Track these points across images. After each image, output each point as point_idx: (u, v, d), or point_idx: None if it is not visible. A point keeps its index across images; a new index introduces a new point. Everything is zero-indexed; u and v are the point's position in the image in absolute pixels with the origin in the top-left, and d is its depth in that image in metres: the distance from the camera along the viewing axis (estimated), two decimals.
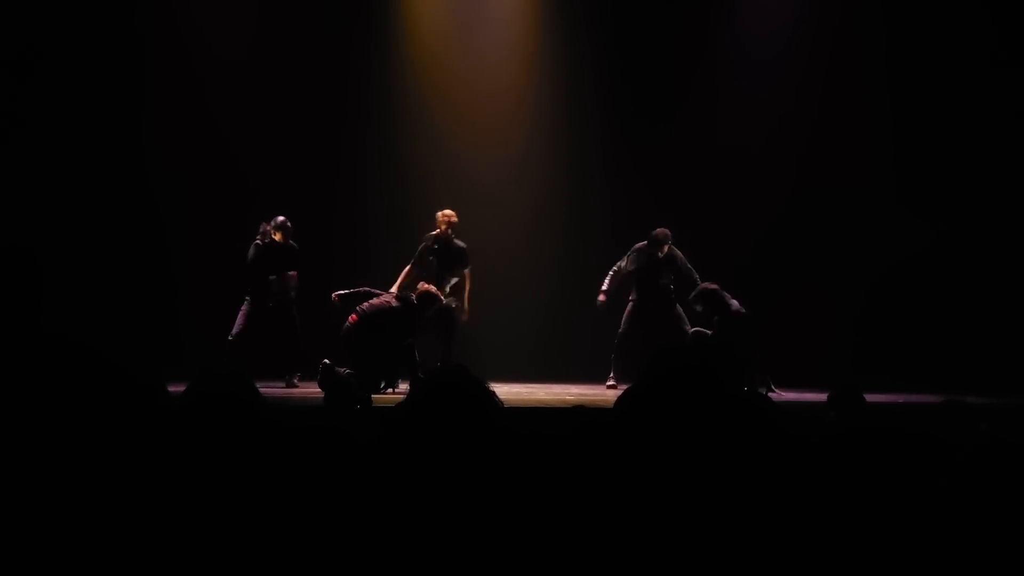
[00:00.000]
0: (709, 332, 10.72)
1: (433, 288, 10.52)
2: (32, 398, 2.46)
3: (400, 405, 2.62)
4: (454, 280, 11.15)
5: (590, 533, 2.34)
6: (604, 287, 11.43)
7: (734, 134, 12.82)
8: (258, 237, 11.11)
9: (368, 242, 12.91)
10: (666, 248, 11.38)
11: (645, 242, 11.43)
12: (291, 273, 11.08)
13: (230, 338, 10.93)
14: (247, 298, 11.10)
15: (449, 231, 11.09)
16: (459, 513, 2.39)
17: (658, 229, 11.38)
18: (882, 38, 12.71)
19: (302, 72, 12.65)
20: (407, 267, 11.18)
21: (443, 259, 11.14)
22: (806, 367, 10.98)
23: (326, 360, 9.80)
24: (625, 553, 2.31)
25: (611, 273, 11.49)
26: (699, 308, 10.82)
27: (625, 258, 11.48)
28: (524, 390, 10.88)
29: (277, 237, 11.10)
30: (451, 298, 11.04)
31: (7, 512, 2.35)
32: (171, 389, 2.74)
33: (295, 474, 2.62)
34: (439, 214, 11.16)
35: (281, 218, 11.15)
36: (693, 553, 2.30)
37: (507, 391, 10.64)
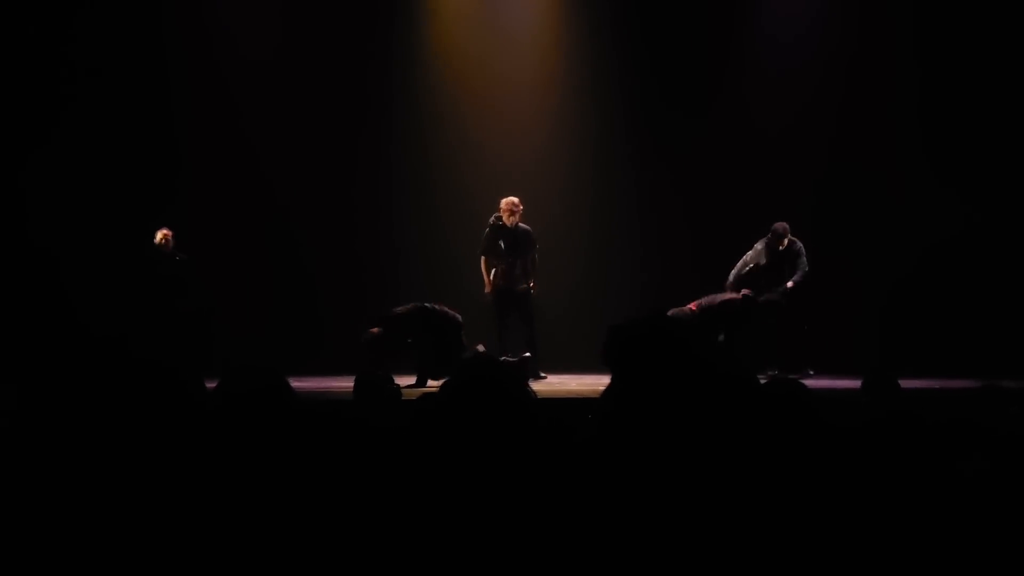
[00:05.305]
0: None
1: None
2: (73, 396, 2.49)
3: (432, 395, 2.63)
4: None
5: (617, 524, 2.34)
6: (737, 286, 11.14)
7: (761, 120, 12.74)
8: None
9: (394, 234, 12.97)
10: (786, 242, 11.22)
11: (764, 240, 11.22)
12: None
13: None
14: None
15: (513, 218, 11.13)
16: (491, 503, 2.39)
17: (777, 223, 11.21)
18: (909, 19, 12.59)
19: (327, 66, 12.67)
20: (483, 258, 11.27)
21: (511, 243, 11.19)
22: (840, 353, 10.92)
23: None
24: (653, 543, 2.31)
25: (747, 271, 11.22)
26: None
27: (753, 258, 11.26)
28: (555, 380, 10.88)
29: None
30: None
31: (54, 503, 2.38)
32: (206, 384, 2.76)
33: (329, 465, 2.63)
34: (503, 201, 11.17)
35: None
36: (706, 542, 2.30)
37: (538, 382, 10.65)
